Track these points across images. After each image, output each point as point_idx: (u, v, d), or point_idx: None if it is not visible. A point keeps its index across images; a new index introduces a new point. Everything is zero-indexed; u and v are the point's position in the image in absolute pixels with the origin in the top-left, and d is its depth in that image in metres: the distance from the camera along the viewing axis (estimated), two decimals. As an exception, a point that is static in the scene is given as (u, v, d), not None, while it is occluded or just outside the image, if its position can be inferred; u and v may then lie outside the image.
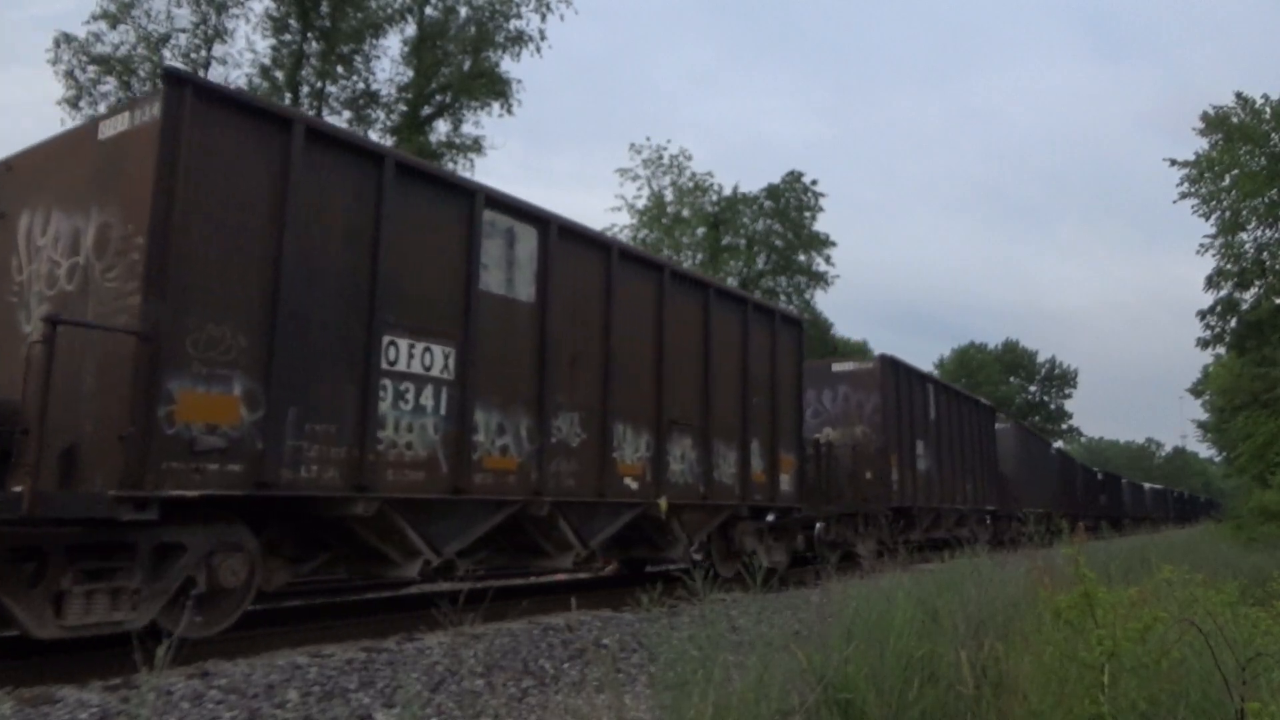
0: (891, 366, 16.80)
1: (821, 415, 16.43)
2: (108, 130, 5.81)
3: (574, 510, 8.53)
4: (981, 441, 22.36)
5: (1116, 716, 3.29)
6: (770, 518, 12.11)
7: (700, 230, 36.99)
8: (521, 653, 6.44)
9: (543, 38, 25.89)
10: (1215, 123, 22.67)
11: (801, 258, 38.21)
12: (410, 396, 6.78)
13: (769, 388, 11.92)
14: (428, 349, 6.95)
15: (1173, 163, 23.37)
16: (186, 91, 5.55)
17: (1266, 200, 22.07)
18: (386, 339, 6.62)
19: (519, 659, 6.29)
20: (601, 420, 8.74)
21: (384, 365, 6.57)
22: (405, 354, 6.77)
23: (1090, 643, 3.47)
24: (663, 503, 9.28)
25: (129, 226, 5.46)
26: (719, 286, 11.33)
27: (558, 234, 8.42)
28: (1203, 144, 23.19)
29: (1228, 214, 22.83)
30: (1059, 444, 55.54)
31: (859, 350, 45.66)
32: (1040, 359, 76.51)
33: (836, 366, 16.92)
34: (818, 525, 13.68)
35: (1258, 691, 3.31)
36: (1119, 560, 8.82)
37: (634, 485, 9.20)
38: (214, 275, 5.62)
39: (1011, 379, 73.87)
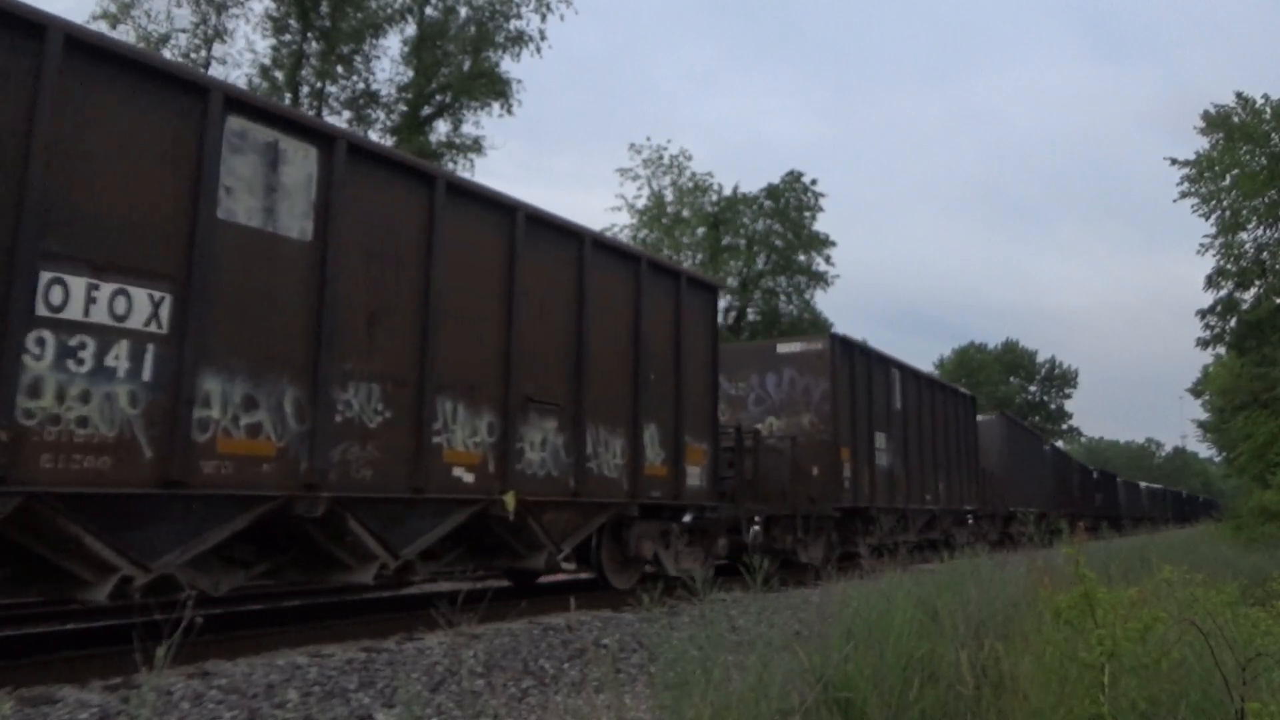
0: (844, 347, 14.86)
1: (765, 403, 14.51)
2: None
3: (373, 509, 6.69)
4: (959, 435, 20.42)
5: (1116, 716, 3.29)
6: (687, 518, 10.55)
7: (700, 230, 37.00)
8: (521, 653, 6.44)
9: (543, 38, 25.92)
10: (1216, 122, 22.67)
11: (801, 258, 38.22)
12: (88, 355, 5.06)
13: (672, 363, 10.04)
14: (122, 292, 5.24)
15: (1173, 162, 23.39)
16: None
17: (1266, 200, 22.07)
18: (46, 275, 4.91)
19: (519, 659, 6.29)
20: (417, 394, 6.98)
21: (40, 311, 4.87)
22: (81, 297, 5.06)
23: (1090, 643, 3.47)
24: (509, 499, 7.60)
25: None
26: (600, 238, 9.44)
27: (347, 155, 6.59)
28: (1203, 144, 23.21)
29: (1228, 214, 22.84)
30: (1059, 443, 55.36)
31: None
32: (1040, 359, 76.57)
33: (782, 347, 14.81)
34: (753, 528, 12.04)
35: (1258, 691, 3.31)
36: (1119, 560, 8.82)
37: (468, 478, 7.39)
38: None
39: (1011, 379, 73.87)
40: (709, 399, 10.89)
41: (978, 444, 22.30)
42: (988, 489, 23.37)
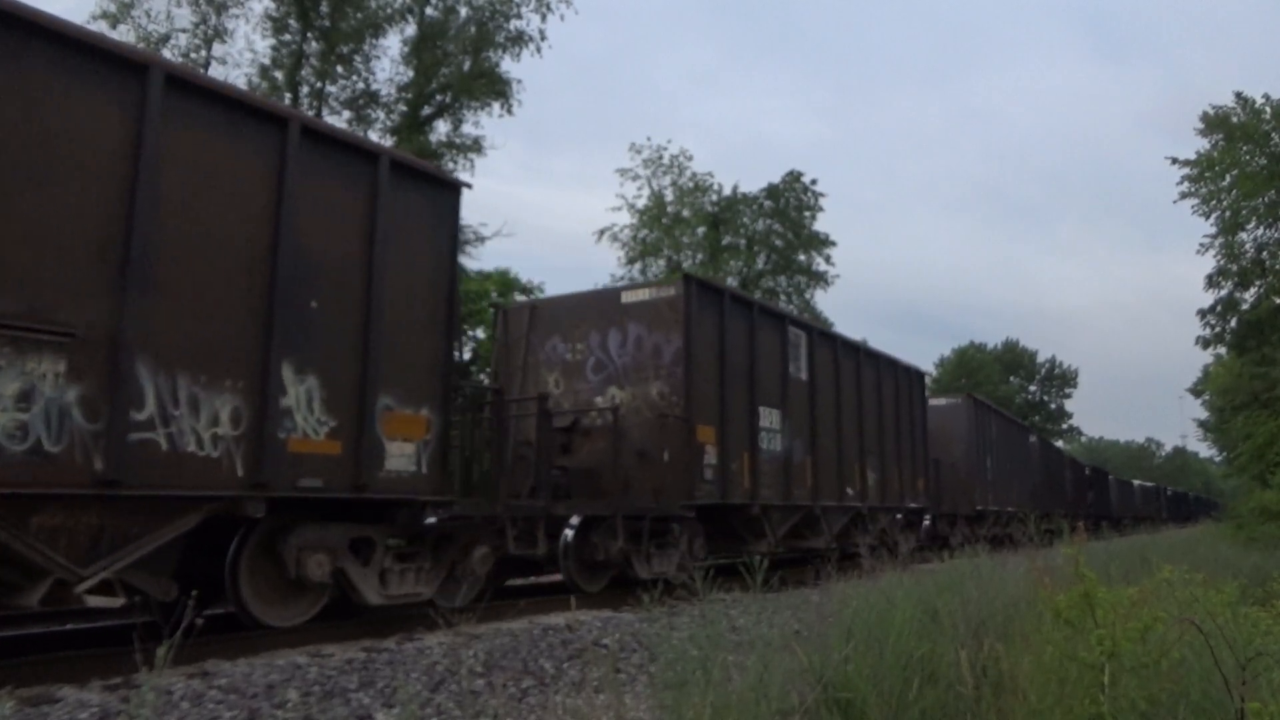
0: (705, 293, 10.98)
1: (607, 369, 10.94)
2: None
3: None
4: (901, 417, 16.65)
5: (1116, 716, 3.29)
6: (432, 519, 7.51)
7: (700, 230, 37.00)
8: (521, 653, 6.44)
9: (543, 38, 25.90)
10: (1215, 123, 22.69)
11: (801, 257, 38.21)
12: None
13: (361, 288, 6.86)
14: None
15: (1174, 161, 23.41)
16: None
17: (1266, 200, 22.08)
18: None
19: (519, 659, 6.29)
20: None
21: None
22: None
23: (1090, 642, 3.47)
24: None
25: None
26: (192, 77, 6.38)
27: None
28: (1203, 144, 23.23)
29: (1228, 214, 22.85)
30: (1059, 443, 55.20)
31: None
32: (1040, 359, 76.55)
33: (628, 296, 11.08)
34: (566, 532, 9.44)
35: (1258, 691, 3.31)
36: (1119, 560, 8.82)
37: None
38: None
39: (1011, 379, 73.85)
40: (437, 344, 7.52)
41: (927, 429, 18.35)
42: (947, 484, 19.99)
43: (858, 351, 15.28)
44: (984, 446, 22.82)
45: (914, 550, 14.96)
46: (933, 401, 20.82)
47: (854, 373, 14.89)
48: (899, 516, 16.74)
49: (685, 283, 10.73)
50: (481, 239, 25.78)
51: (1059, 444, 54.03)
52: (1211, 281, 23.85)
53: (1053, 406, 75.70)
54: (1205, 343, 24.97)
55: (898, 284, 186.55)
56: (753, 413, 11.67)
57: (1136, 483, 61.08)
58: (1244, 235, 23.18)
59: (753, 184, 45.71)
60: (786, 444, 12.42)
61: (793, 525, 12.71)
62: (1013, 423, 27.87)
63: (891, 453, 15.99)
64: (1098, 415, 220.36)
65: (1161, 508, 62.45)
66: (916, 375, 18.22)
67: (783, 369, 12.57)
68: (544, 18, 25.78)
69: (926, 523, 18.77)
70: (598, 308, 11.32)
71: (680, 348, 10.45)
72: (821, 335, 14.21)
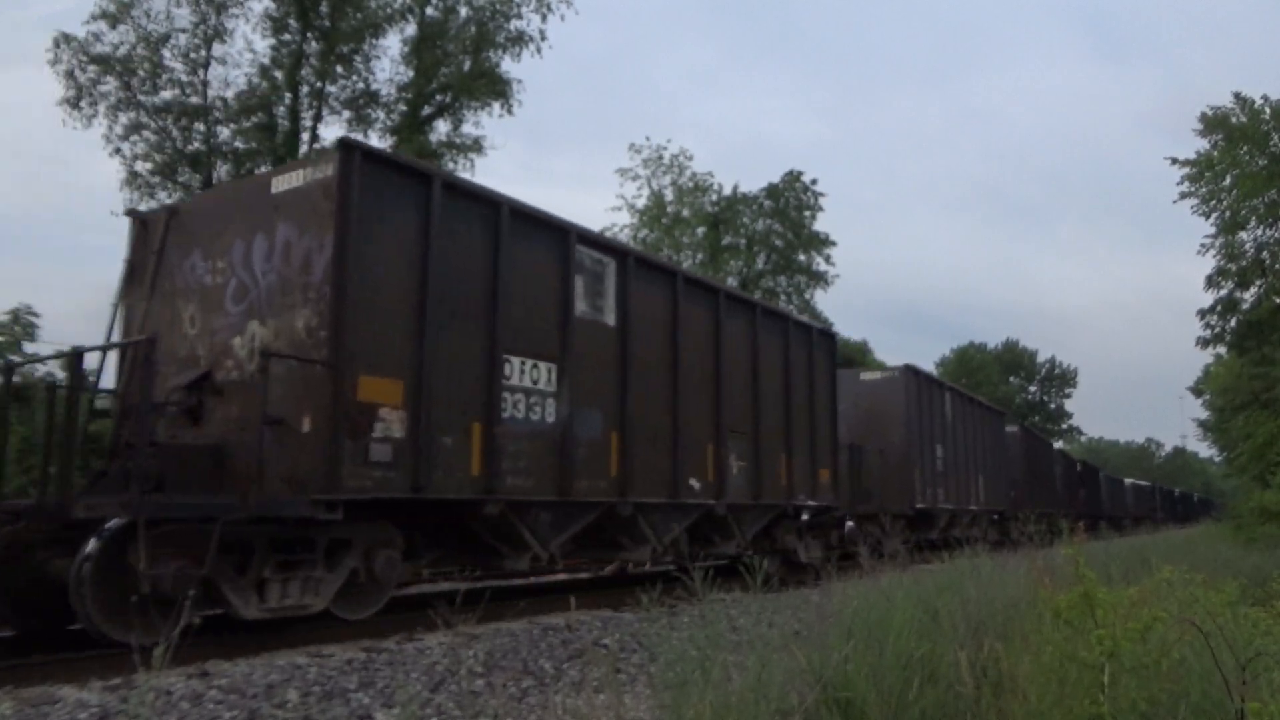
0: (380, 172, 7.01)
1: (249, 295, 7.26)
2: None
3: None
4: (794, 388, 12.55)
5: (1116, 716, 3.29)
6: None
7: (700, 230, 37.00)
8: (521, 653, 6.44)
9: (543, 38, 25.87)
10: (1214, 123, 22.67)
11: (801, 257, 38.20)
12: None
13: None
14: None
15: (1174, 161, 23.38)
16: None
17: (1266, 200, 22.07)
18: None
19: (519, 659, 6.29)
20: None
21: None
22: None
23: (1090, 643, 3.47)
24: None
25: None
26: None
27: None
28: (1202, 145, 23.21)
29: (1227, 214, 22.84)
30: (1059, 444, 54.81)
31: (859, 352, 45.24)
32: (1040, 359, 76.63)
33: (279, 182, 7.25)
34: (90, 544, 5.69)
35: (1258, 691, 3.31)
36: (1119, 560, 8.82)
37: None
38: None
39: (1011, 379, 73.91)
40: None
41: (839, 407, 14.24)
42: (876, 476, 16.10)
43: (716, 295, 11.02)
44: (932, 431, 18.53)
45: (825, 561, 11.92)
46: (864, 375, 18.22)
47: (708, 323, 10.80)
48: (804, 518, 12.88)
49: (345, 154, 6.73)
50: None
51: (1058, 444, 53.26)
52: (1211, 282, 23.83)
53: (1052, 407, 75.77)
54: (1205, 343, 24.95)
55: (898, 284, 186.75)
56: (492, 364, 7.71)
57: (1129, 481, 57.92)
58: (1244, 235, 23.19)
59: (753, 184, 45.72)
60: (563, 413, 8.35)
61: (584, 529, 8.87)
62: (981, 406, 23.30)
63: (773, 434, 11.84)
64: (1098, 415, 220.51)
65: (1156, 508, 60.00)
66: (823, 337, 13.87)
67: (564, 306, 8.55)
68: (544, 18, 25.77)
69: (850, 524, 14.57)
70: (245, 204, 7.54)
71: (331, 257, 6.66)
72: (647, 266, 9.84)
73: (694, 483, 10.29)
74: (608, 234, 38.21)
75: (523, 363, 8.05)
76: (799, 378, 12.89)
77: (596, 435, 8.83)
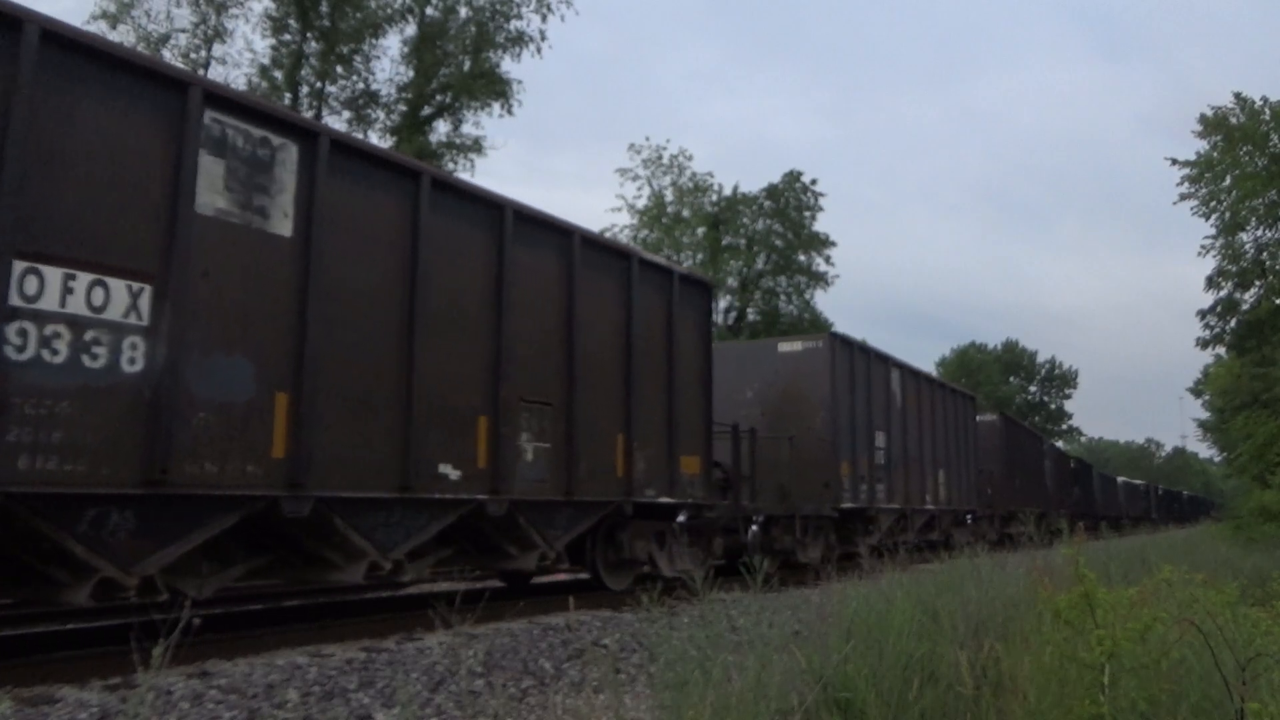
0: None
1: None
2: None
3: None
4: (636, 349, 9.50)
5: (1116, 716, 3.29)
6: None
7: (700, 230, 37.03)
8: (521, 653, 6.44)
9: (543, 38, 25.92)
10: (1214, 124, 22.68)
11: (801, 258, 38.24)
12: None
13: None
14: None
15: (1174, 162, 23.39)
16: None
17: (1266, 201, 22.08)
18: None
19: (519, 659, 6.29)
20: None
21: None
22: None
23: (1090, 643, 3.47)
24: None
25: None
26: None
27: None
28: (1202, 145, 23.23)
29: (1227, 215, 22.85)
30: (1059, 443, 54.39)
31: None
32: (1040, 359, 76.67)
33: None
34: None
35: (1258, 691, 3.31)
36: (1119, 560, 8.82)
37: None
38: None
39: (1011, 379, 73.93)
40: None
41: (705, 369, 10.74)
42: (785, 469, 12.78)
43: (501, 211, 8.05)
44: (869, 415, 14.95)
45: (706, 576, 6.97)
46: (783, 345, 14.53)
47: (484, 250, 7.87)
48: (681, 519, 10.45)
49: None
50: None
51: (1058, 444, 52.78)
52: (1211, 282, 23.84)
53: (1053, 407, 75.78)
54: (1205, 343, 24.98)
55: (898, 284, 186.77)
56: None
57: (1121, 479, 55.07)
58: (1244, 236, 23.20)
59: (755, 184, 45.76)
60: (161, 359, 5.54)
61: (214, 539, 6.10)
62: (944, 389, 19.66)
63: (601, 408, 8.96)
64: (1098, 415, 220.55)
65: (1151, 508, 57.58)
66: (690, 286, 10.61)
67: (171, 196, 5.71)
68: (544, 18, 25.82)
69: (755, 529, 12.25)
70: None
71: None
72: (363, 158, 7.00)
73: (448, 470, 7.41)
74: (608, 234, 38.21)
75: (68, 276, 5.13)
76: (649, 335, 9.69)
77: (242, 395, 5.95)
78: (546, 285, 8.54)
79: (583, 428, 8.68)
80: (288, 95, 23.29)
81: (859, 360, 14.85)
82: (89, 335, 5.21)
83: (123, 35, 22.14)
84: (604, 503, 9.07)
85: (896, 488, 15.87)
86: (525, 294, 8.20)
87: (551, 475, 8.36)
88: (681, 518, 10.45)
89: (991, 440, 23.83)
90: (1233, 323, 24.06)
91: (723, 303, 36.40)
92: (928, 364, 54.08)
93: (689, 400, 10.30)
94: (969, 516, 20.82)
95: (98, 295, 5.26)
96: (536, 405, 8.26)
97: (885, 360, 16.16)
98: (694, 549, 10.53)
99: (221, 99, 6.06)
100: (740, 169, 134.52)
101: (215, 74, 22.96)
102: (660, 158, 37.54)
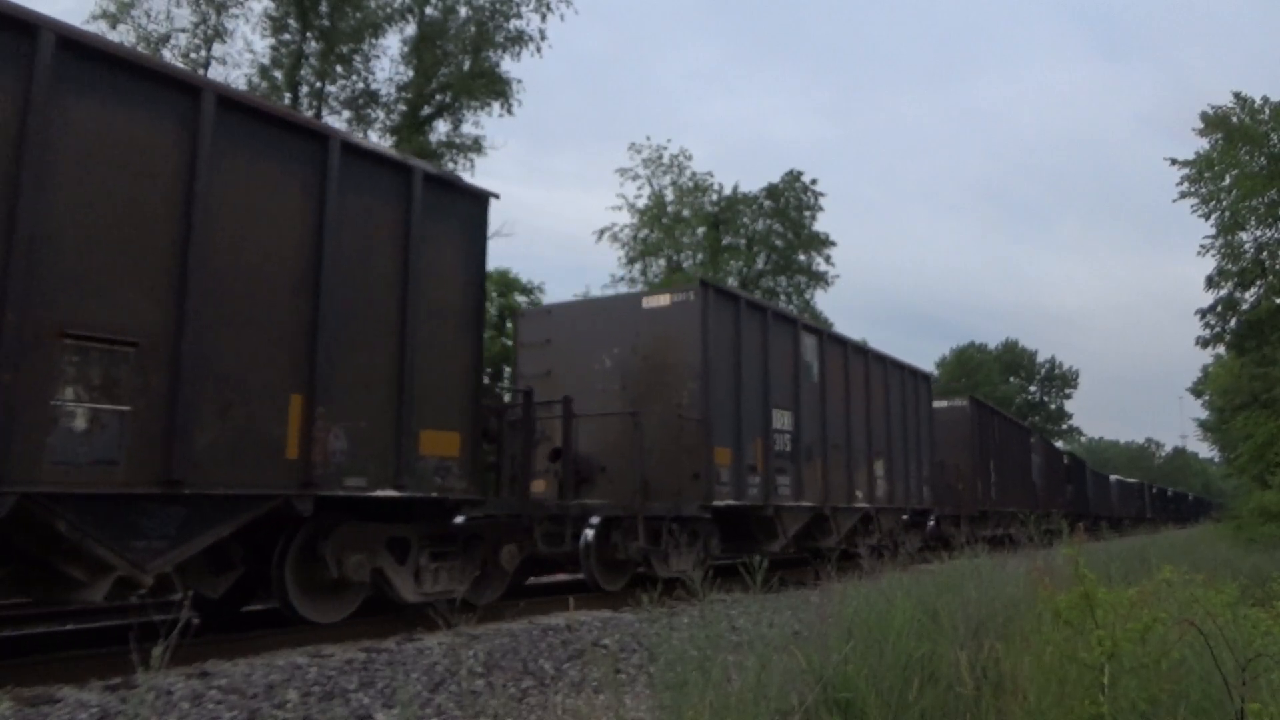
0: None
1: None
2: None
3: None
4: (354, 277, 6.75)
5: (1116, 716, 3.29)
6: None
7: (700, 230, 37.04)
8: (521, 653, 6.43)
9: (543, 38, 25.93)
10: (1214, 123, 22.69)
11: (801, 258, 38.26)
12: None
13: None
14: None
15: (1173, 161, 23.41)
16: None
17: (1266, 200, 22.09)
18: None
19: (519, 659, 6.29)
20: None
21: None
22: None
23: (1090, 643, 3.47)
24: None
25: None
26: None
27: None
28: (1202, 144, 23.24)
29: (1227, 214, 22.86)
30: (1060, 443, 53.90)
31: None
32: (1040, 359, 76.65)
33: None
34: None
35: (1258, 692, 3.31)
36: (1119, 561, 8.82)
37: None
38: None
39: (1011, 379, 73.92)
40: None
41: (479, 318, 7.87)
42: (633, 457, 9.77)
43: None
44: (764, 388, 11.78)
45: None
46: (647, 301, 11.40)
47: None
48: (460, 520, 7.86)
49: None
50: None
51: (1059, 444, 52.21)
52: (1211, 282, 23.85)
53: (1053, 407, 75.77)
54: (1205, 343, 24.98)
55: (898, 284, 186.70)
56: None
57: (1114, 477, 51.74)
58: (1244, 235, 23.21)
59: (755, 184, 45.76)
60: None
61: None
62: (883, 361, 15.78)
63: (267, 364, 6.17)
64: (1098, 415, 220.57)
65: (1145, 508, 54.45)
66: (438, 189, 7.55)
67: None
68: (544, 18, 25.82)
69: (589, 531, 9.29)
70: None
71: None
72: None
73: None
74: (607, 234, 38.20)
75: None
76: (363, 256, 6.87)
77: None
78: (143, 159, 5.56)
79: (205, 382, 5.73)
80: (288, 95, 23.29)
81: (749, 319, 11.56)
82: None
83: (123, 35, 22.15)
84: (256, 497, 6.04)
85: (809, 482, 12.57)
86: (83, 175, 5.27)
87: (132, 454, 5.34)
88: (460, 518, 7.74)
89: (959, 430, 20.51)
90: (1233, 322, 24.07)
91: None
92: (928, 364, 53.60)
93: (441, 352, 7.41)
94: (931, 517, 18.10)
95: None
96: (97, 345, 5.23)
97: (791, 322, 13.00)
98: (462, 562, 7.75)
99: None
100: (740, 169, 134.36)
101: (215, 74, 22.98)
102: (661, 157, 37.58)
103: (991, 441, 22.88)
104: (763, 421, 11.68)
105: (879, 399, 15.36)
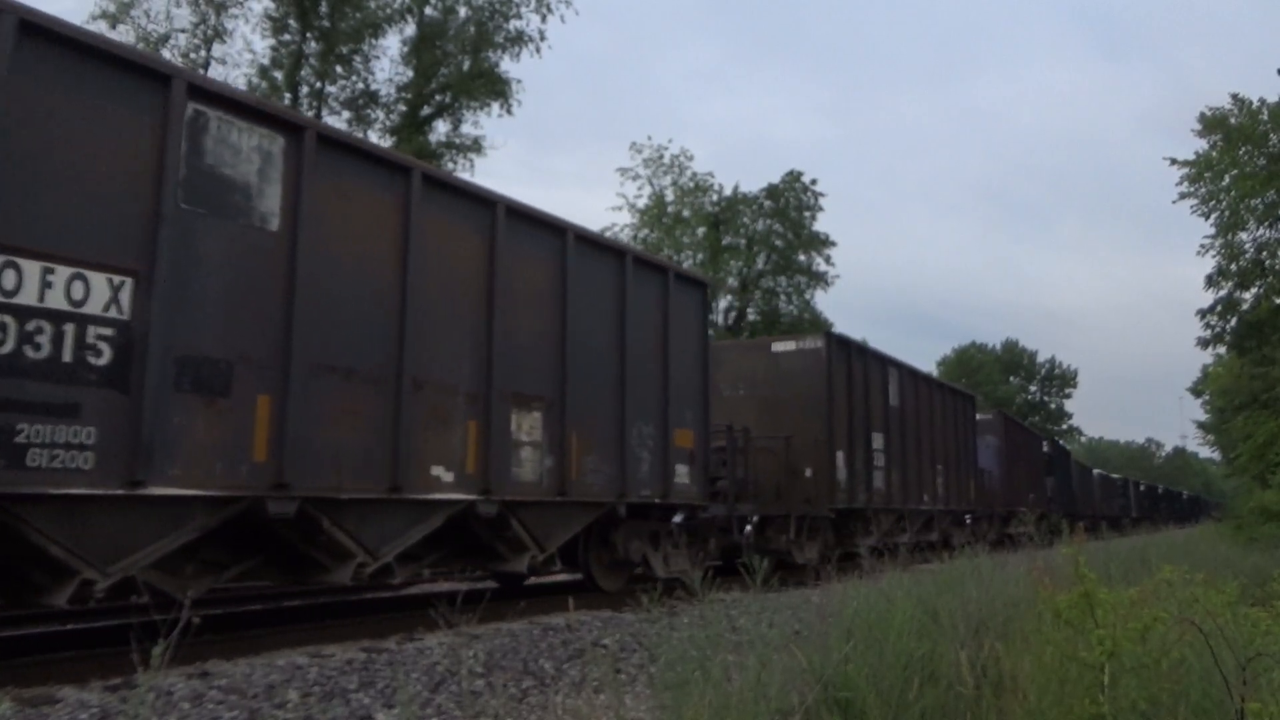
0: None
1: None
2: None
3: None
4: None
5: (1116, 716, 3.29)
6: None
7: (700, 230, 37.02)
8: (521, 653, 6.43)
9: (542, 38, 25.92)
10: (1213, 123, 22.69)
11: (801, 258, 38.23)
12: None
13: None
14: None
15: (1173, 161, 23.40)
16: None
17: (1265, 200, 22.08)
18: None
19: (519, 659, 6.29)
20: None
21: None
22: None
23: (1090, 643, 3.47)
24: None
25: None
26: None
27: None
28: (1202, 145, 23.23)
29: (1227, 214, 22.85)
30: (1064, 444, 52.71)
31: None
32: (1040, 359, 76.65)
33: None
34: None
35: (1258, 691, 3.31)
36: (1119, 560, 8.82)
37: None
38: None
39: (1011, 379, 73.92)
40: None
41: (696, 370, 10.57)
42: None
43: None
44: (864, 414, 14.36)
45: (705, 576, 6.89)
46: (776, 345, 14.10)
47: None
48: (678, 520, 10.54)
49: None
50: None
51: (1063, 445, 50.63)
52: (1211, 282, 23.84)
53: (1053, 407, 75.78)
54: (1205, 343, 24.97)
55: (898, 284, 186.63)
56: None
57: (1097, 471, 46.41)
58: (1244, 235, 23.20)
59: (755, 184, 45.72)
60: None
61: None
62: (942, 389, 17.16)
63: (605, 412, 9.19)
64: (1098, 415, 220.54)
65: (1130, 506, 50.07)
66: (662, 277, 10.20)
67: None
68: (544, 18, 25.82)
69: (749, 528, 12.14)
70: None
71: None
72: None
73: (440, 472, 7.32)
74: (608, 234, 38.29)
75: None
76: (644, 334, 9.88)
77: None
78: (540, 285, 8.36)
79: (579, 426, 8.51)
80: (287, 95, 23.29)
81: (856, 360, 14.63)
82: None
83: (122, 35, 22.14)
84: (599, 504, 8.89)
85: (894, 488, 15.67)
86: (520, 293, 8.04)
87: (546, 475, 8.11)
88: (678, 518, 10.24)
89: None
90: (1233, 322, 24.06)
91: (722, 303, 36.39)
92: (928, 364, 53.78)
93: (684, 401, 10.20)
94: (968, 517, 20.56)
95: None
96: (530, 403, 8.03)
97: (883, 360, 15.98)
98: (690, 550, 10.34)
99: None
100: (740, 169, 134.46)
101: (215, 74, 22.97)
102: (661, 157, 37.55)
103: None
104: (864, 441, 14.62)
105: (938, 420, 18.18)
